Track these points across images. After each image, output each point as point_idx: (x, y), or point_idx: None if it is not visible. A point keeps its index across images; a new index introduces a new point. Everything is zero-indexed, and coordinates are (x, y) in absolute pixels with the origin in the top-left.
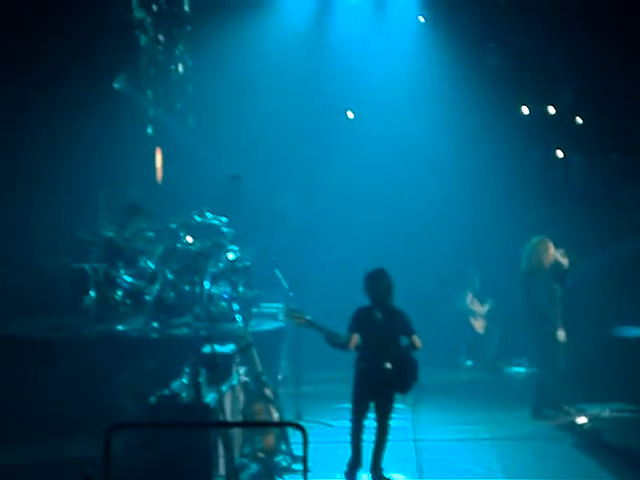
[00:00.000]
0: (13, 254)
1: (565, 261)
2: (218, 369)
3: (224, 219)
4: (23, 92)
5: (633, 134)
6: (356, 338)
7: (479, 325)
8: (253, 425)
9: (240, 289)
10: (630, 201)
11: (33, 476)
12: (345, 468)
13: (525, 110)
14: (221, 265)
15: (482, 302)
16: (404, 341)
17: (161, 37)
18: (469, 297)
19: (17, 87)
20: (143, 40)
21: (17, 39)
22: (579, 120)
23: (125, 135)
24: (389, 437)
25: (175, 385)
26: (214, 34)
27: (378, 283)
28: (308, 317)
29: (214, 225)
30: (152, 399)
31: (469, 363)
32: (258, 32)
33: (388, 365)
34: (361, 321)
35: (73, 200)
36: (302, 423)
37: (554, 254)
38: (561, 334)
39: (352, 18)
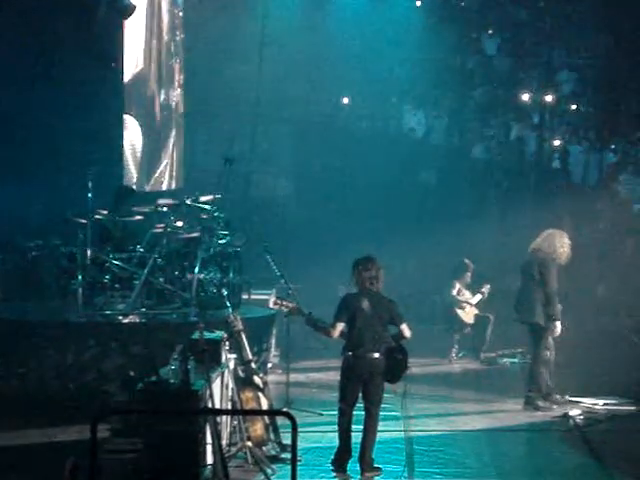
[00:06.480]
0: (1, 237)
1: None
2: (207, 356)
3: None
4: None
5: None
6: (340, 327)
7: (467, 315)
8: (242, 413)
9: (230, 275)
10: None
11: (18, 462)
12: (333, 457)
13: (524, 97)
14: (211, 250)
15: (474, 292)
16: (393, 330)
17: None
18: (456, 287)
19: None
20: None
21: None
22: (577, 109)
23: (117, 118)
24: (379, 427)
25: (163, 371)
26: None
27: (366, 271)
28: (295, 304)
29: (205, 209)
30: (139, 385)
31: (461, 354)
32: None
33: (375, 355)
34: (348, 309)
35: (62, 182)
36: (291, 411)
37: (568, 251)
38: (558, 324)
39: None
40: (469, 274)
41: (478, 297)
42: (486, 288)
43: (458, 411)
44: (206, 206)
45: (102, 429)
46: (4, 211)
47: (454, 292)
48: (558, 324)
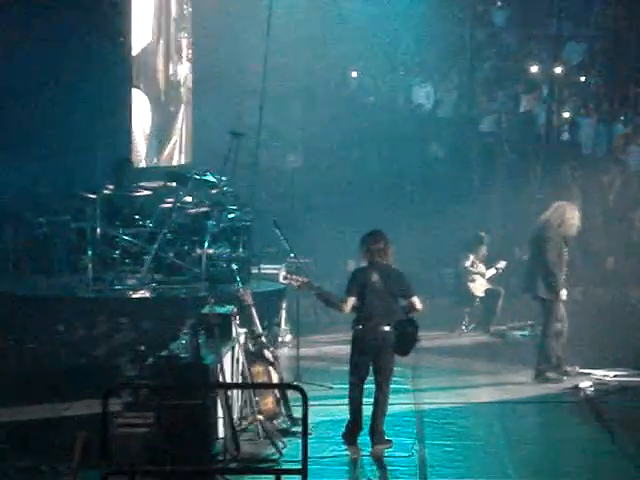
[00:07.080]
0: (10, 213)
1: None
2: (217, 330)
3: (224, 178)
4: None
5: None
6: (352, 301)
7: (477, 288)
8: (252, 387)
9: (240, 249)
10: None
11: (29, 436)
12: (344, 430)
13: (533, 69)
14: (221, 225)
15: (489, 266)
16: (403, 303)
17: None
18: (470, 259)
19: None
20: None
21: None
22: (586, 80)
23: (125, 93)
24: (389, 400)
25: (173, 346)
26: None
27: (374, 244)
28: (305, 279)
29: (214, 184)
30: (150, 360)
31: (471, 327)
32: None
33: (386, 328)
34: (358, 283)
35: (70, 157)
36: (302, 385)
37: (577, 224)
38: (564, 293)
39: None
40: (485, 247)
41: (492, 272)
42: (501, 264)
43: (468, 383)
44: (215, 180)
45: (113, 403)
46: (13, 187)
47: (467, 264)
48: (563, 292)
